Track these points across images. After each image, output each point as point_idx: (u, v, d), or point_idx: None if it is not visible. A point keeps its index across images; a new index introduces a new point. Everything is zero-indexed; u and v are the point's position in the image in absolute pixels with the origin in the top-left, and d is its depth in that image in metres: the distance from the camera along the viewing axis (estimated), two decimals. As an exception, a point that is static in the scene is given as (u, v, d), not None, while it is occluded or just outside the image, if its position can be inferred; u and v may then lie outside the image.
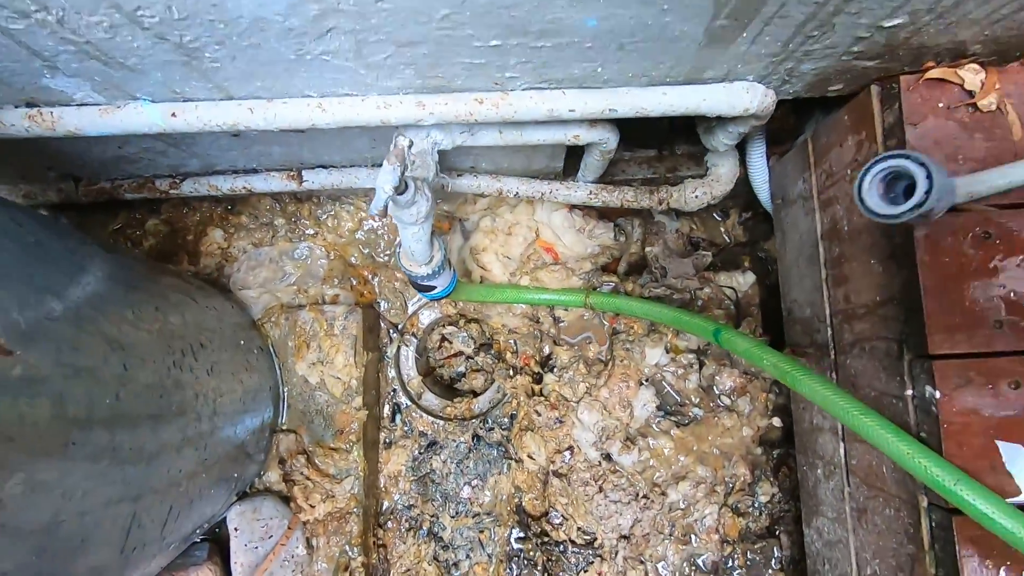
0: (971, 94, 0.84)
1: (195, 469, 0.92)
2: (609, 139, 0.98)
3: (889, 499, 0.93)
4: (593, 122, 0.95)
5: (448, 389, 1.61)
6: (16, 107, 0.85)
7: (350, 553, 1.28)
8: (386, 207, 0.78)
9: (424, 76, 0.82)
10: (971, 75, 0.84)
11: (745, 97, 0.86)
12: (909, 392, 0.86)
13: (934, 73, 0.85)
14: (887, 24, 0.74)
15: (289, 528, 1.23)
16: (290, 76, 0.80)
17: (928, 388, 0.82)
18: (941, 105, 0.85)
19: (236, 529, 1.18)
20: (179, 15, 0.65)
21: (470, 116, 0.86)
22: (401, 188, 0.81)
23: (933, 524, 0.83)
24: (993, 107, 0.83)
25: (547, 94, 0.85)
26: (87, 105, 0.85)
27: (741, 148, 1.30)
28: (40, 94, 0.83)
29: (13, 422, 0.56)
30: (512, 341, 1.46)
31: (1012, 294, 0.82)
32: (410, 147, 0.79)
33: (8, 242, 0.67)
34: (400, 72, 0.81)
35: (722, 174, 1.14)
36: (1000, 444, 0.79)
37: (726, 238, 1.56)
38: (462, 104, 0.85)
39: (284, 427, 1.30)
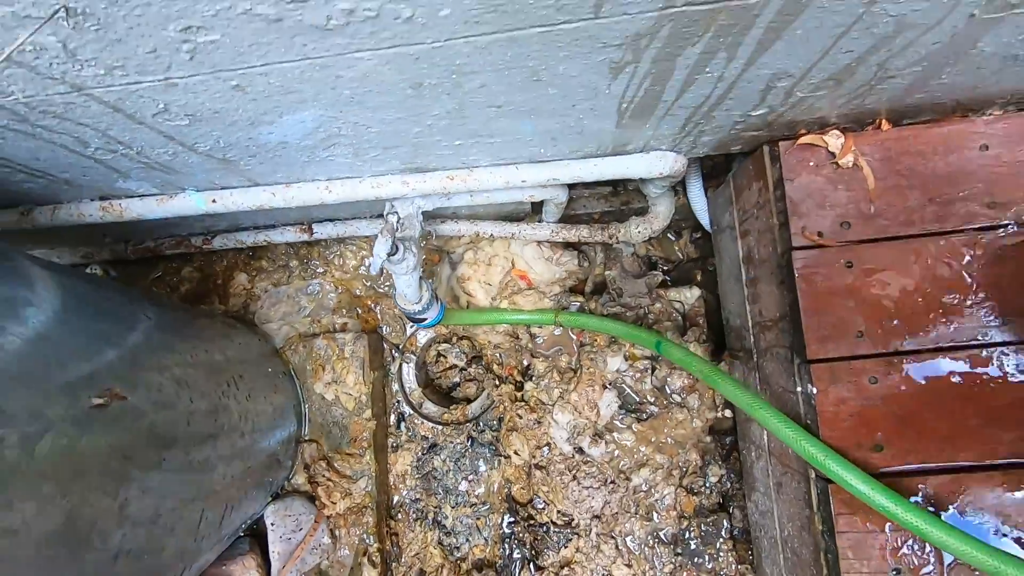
0: (833, 155, 1.07)
1: (242, 475, 1.17)
2: (559, 195, 1.21)
3: (794, 474, 1.17)
4: (544, 185, 1.19)
5: (445, 397, 1.85)
6: (92, 201, 1.09)
7: (367, 541, 1.52)
8: (381, 268, 1.02)
9: (406, 163, 1.06)
10: (833, 139, 1.07)
11: (659, 163, 1.09)
12: (799, 389, 1.10)
13: (805, 139, 1.08)
14: (754, 113, 0.97)
15: (316, 522, 1.47)
16: (303, 169, 1.04)
17: (809, 385, 1.06)
18: (811, 164, 1.09)
19: (272, 524, 1.42)
20: (224, 144, 0.89)
21: (444, 189, 1.09)
22: (393, 251, 1.05)
23: (818, 491, 1.07)
24: (851, 164, 1.07)
25: (503, 169, 1.09)
26: (147, 196, 1.09)
27: (683, 182, 1.54)
28: (111, 192, 1.07)
29: (128, 446, 0.81)
30: (498, 354, 1.70)
31: (869, 310, 1.05)
32: (398, 220, 1.03)
33: (102, 312, 0.91)
34: (388, 162, 1.04)
35: (660, 212, 1.37)
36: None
37: (680, 255, 1.80)
38: (436, 181, 1.08)
39: (307, 438, 1.54)
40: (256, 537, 1.49)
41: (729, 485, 1.59)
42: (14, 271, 0.81)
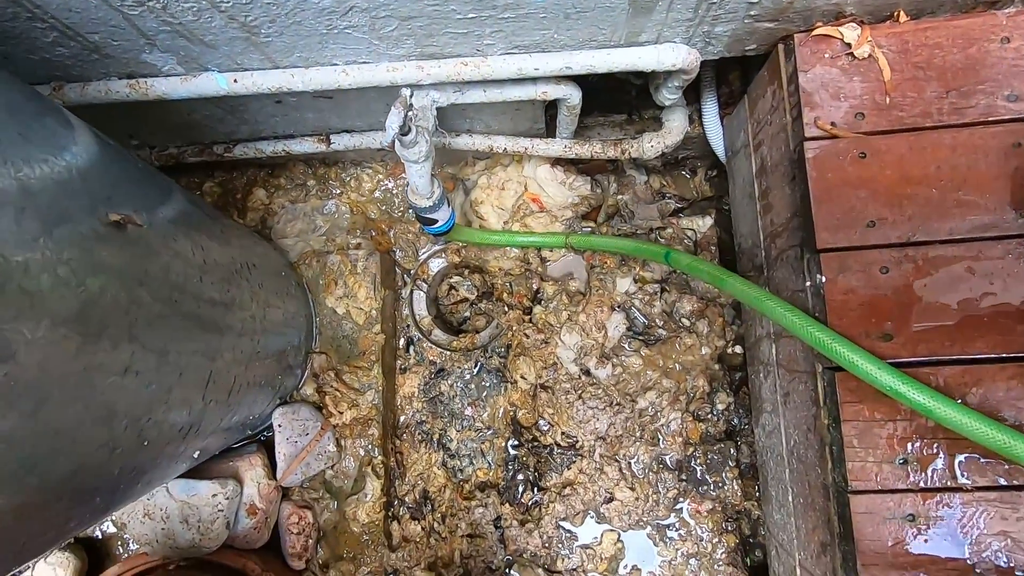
0: (849, 46, 1.06)
1: (250, 356, 1.19)
2: (572, 95, 1.22)
3: (801, 376, 1.16)
4: (558, 80, 1.20)
5: (455, 332, 1.86)
6: (119, 78, 1.13)
7: (372, 453, 1.54)
8: (393, 142, 1.04)
9: (422, 45, 1.08)
10: (849, 31, 1.06)
11: (671, 55, 1.09)
12: (808, 283, 1.09)
13: (820, 30, 1.07)
14: (768, -8, 0.97)
15: (322, 429, 1.49)
16: (322, 47, 1.07)
17: (818, 276, 1.05)
18: (826, 55, 1.08)
19: (280, 426, 1.44)
20: (246, 0, 0.92)
21: (458, 76, 1.11)
22: (405, 129, 1.07)
23: (824, 383, 1.05)
24: (867, 55, 1.06)
25: (516, 57, 1.10)
26: (172, 75, 1.13)
27: (700, 110, 1.53)
28: (138, 68, 1.11)
29: (141, 272, 0.83)
30: (508, 283, 1.70)
31: (881, 200, 1.04)
32: (411, 97, 1.05)
33: (129, 164, 0.95)
34: (404, 42, 1.07)
35: (673, 127, 1.37)
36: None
37: (694, 193, 1.79)
38: (451, 66, 1.10)
39: (317, 350, 1.57)
40: (265, 445, 1.52)
41: (737, 421, 1.57)
42: (58, 112, 0.85)
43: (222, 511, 1.30)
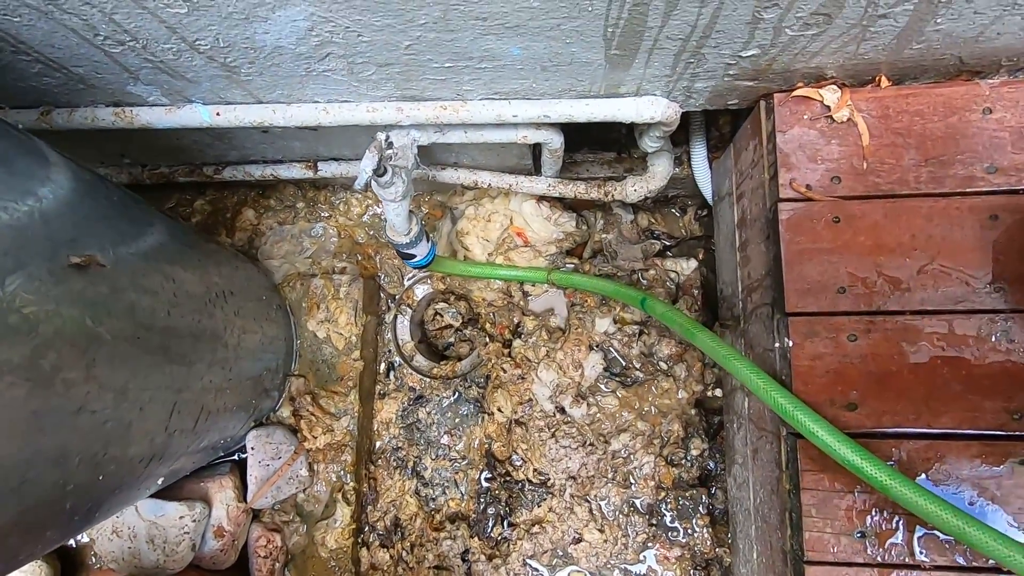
0: (829, 108, 1.06)
1: (221, 385, 1.20)
2: (553, 139, 1.23)
3: (768, 436, 1.15)
4: (538, 125, 1.20)
5: (438, 356, 1.87)
6: (106, 106, 1.15)
7: (344, 479, 1.54)
8: (367, 185, 1.05)
9: (402, 88, 1.09)
10: (830, 94, 1.06)
11: (650, 108, 1.09)
12: (777, 344, 1.08)
13: (800, 92, 1.07)
14: (745, 54, 0.97)
15: (295, 453, 1.50)
16: (303, 87, 1.08)
17: (786, 339, 1.04)
18: (805, 116, 1.07)
19: (252, 448, 1.45)
20: (224, 44, 0.93)
21: (437, 119, 1.12)
22: (380, 171, 1.07)
23: (787, 447, 1.04)
24: (846, 119, 1.05)
25: (496, 103, 1.11)
26: (157, 106, 1.15)
27: (688, 152, 1.53)
28: (124, 98, 1.13)
29: (104, 314, 0.85)
30: (491, 313, 1.71)
31: (854, 267, 1.03)
32: (387, 140, 1.06)
33: (103, 199, 0.96)
34: (384, 85, 1.07)
35: (657, 172, 1.37)
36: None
37: (683, 232, 1.78)
38: (430, 109, 1.11)
39: (296, 372, 1.58)
40: (238, 464, 1.53)
41: (712, 465, 1.56)
42: (31, 147, 0.86)
43: (188, 533, 1.31)
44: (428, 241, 1.34)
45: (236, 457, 1.55)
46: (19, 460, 0.72)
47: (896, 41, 0.93)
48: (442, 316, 1.87)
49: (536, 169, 1.53)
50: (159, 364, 0.98)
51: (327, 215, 1.71)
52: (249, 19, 0.86)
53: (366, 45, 0.93)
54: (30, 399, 0.71)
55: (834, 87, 1.06)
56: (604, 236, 1.58)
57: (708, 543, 1.48)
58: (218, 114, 1.13)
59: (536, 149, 1.44)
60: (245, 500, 1.44)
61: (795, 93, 1.07)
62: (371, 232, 1.73)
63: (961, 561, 0.94)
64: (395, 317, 1.76)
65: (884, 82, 1.05)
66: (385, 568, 1.54)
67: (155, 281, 0.99)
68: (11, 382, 0.68)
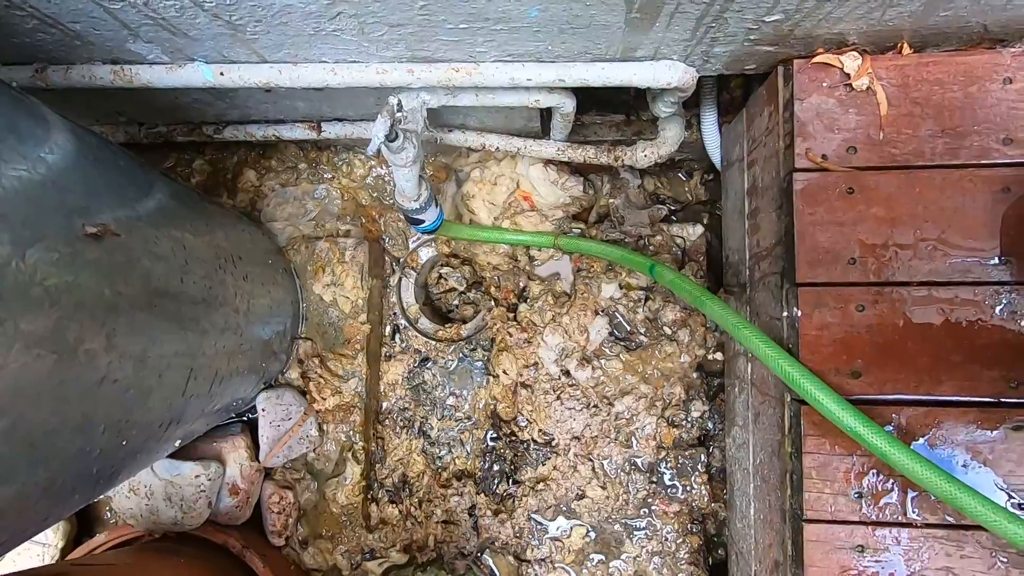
0: (848, 76, 1.04)
1: (233, 349, 1.21)
2: (566, 103, 1.20)
3: (771, 401, 1.18)
4: (551, 89, 1.18)
5: (443, 319, 1.88)
6: (104, 63, 1.11)
7: (353, 438, 1.58)
8: (379, 150, 1.03)
9: (413, 49, 1.05)
10: (850, 61, 1.04)
11: (667, 73, 1.07)
12: (785, 314, 1.10)
13: (820, 58, 1.05)
14: (768, 19, 0.95)
15: (305, 414, 1.53)
16: (310, 46, 1.04)
17: (795, 309, 1.06)
18: (824, 84, 1.06)
19: (263, 410, 1.48)
20: (230, 1, 0.89)
21: (449, 81, 1.09)
22: (392, 136, 1.05)
23: (791, 413, 1.08)
24: (865, 87, 1.03)
25: (509, 66, 1.08)
26: (157, 64, 1.10)
27: (698, 116, 1.51)
28: (123, 55, 1.08)
29: (120, 282, 0.84)
30: (496, 277, 1.71)
31: (865, 238, 1.03)
32: (399, 105, 1.03)
33: (109, 164, 0.94)
34: (394, 46, 1.04)
35: (668, 137, 1.35)
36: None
37: (689, 196, 1.78)
38: (442, 72, 1.08)
39: (303, 335, 1.59)
40: (249, 425, 1.56)
41: (711, 426, 1.61)
42: (32, 110, 0.83)
43: (204, 491, 1.35)
44: (437, 207, 1.33)
45: (246, 418, 1.57)
46: (48, 430, 0.73)
47: (923, 7, 0.91)
48: (446, 280, 1.87)
49: (544, 131, 1.51)
50: (174, 332, 0.98)
51: (330, 176, 1.68)
52: (258, -24, 0.82)
53: (379, 4, 0.90)
54: (56, 370, 0.72)
55: (855, 54, 1.04)
56: (611, 201, 1.58)
57: (705, 499, 1.54)
58: (221, 74, 1.10)
59: (545, 112, 1.41)
60: (258, 459, 1.48)
61: (815, 60, 1.05)
62: (374, 194, 1.71)
63: (951, 519, 0.99)
64: (400, 280, 1.76)
65: (906, 49, 1.03)
66: (394, 522, 1.60)
67: (166, 248, 0.98)
68: (38, 354, 0.68)
